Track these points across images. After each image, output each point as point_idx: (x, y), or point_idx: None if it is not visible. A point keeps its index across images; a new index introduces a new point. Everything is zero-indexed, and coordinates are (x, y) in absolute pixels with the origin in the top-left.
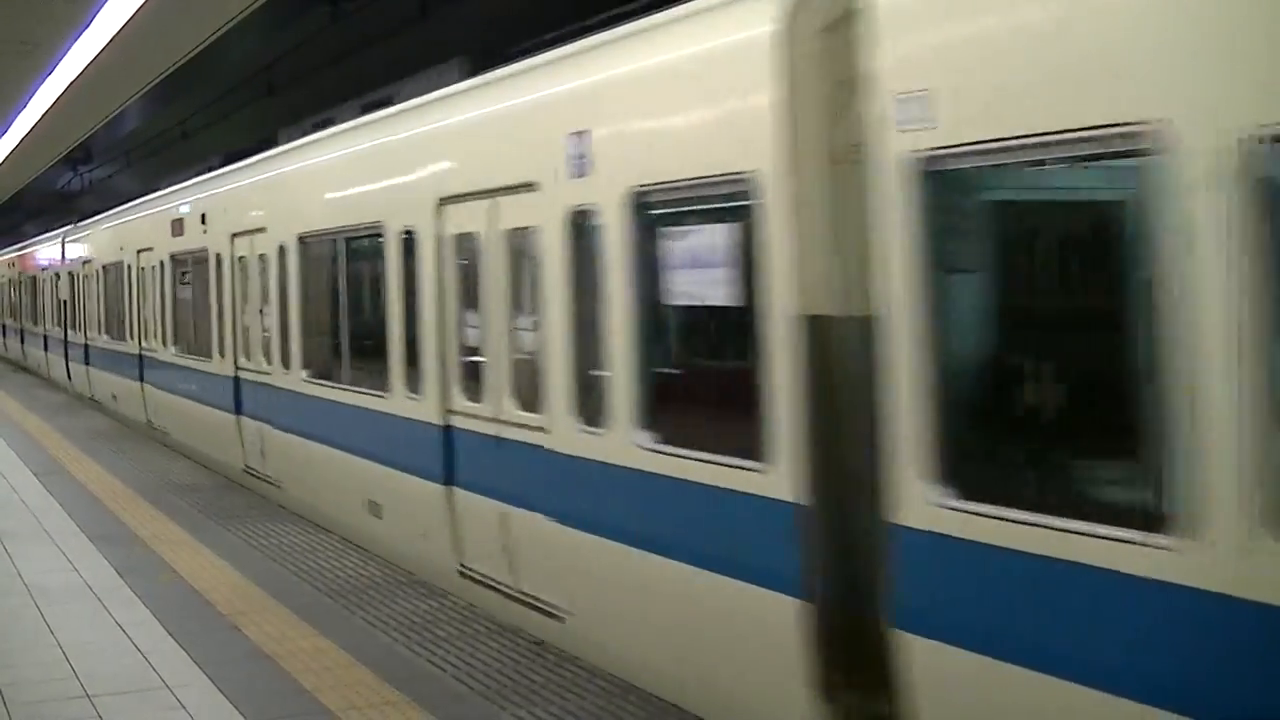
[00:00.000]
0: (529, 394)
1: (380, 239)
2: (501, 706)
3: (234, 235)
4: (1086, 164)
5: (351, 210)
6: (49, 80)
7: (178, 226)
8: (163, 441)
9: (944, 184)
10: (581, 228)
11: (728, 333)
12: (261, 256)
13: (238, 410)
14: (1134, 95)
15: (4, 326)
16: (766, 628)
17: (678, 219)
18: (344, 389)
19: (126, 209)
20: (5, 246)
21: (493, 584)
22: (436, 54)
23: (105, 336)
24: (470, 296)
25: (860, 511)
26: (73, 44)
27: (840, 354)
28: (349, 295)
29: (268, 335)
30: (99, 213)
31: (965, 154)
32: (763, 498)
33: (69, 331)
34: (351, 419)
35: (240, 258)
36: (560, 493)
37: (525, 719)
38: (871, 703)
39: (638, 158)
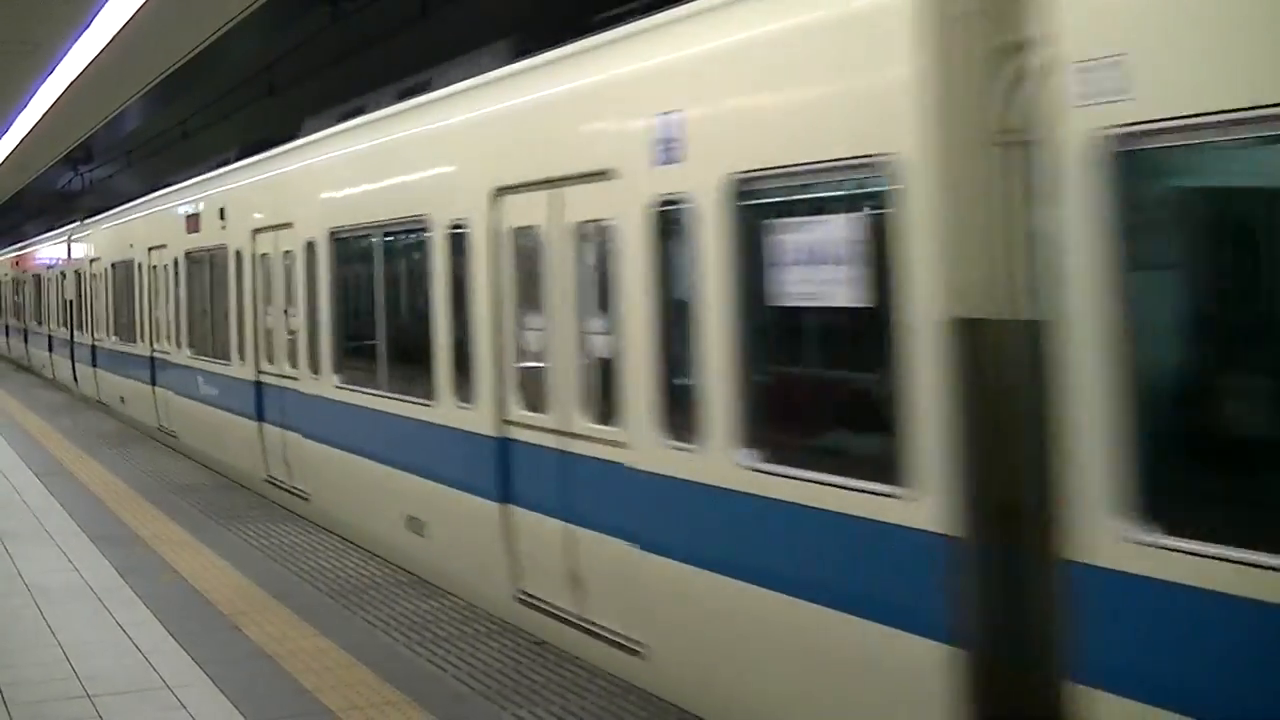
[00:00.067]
0: (601, 405)
1: (425, 233)
2: (502, 706)
3: (256, 231)
4: None
5: (392, 203)
6: (49, 80)
7: (193, 223)
8: (175, 447)
9: (1142, 167)
10: (669, 220)
11: (853, 339)
12: (287, 253)
13: (259, 417)
14: None
15: (6, 327)
16: (900, 674)
17: (790, 209)
18: (382, 396)
19: (137, 205)
20: (6, 246)
21: (555, 611)
22: (471, 39)
23: (114, 338)
24: (530, 296)
25: (1028, 546)
26: (73, 44)
27: (1001, 364)
28: (388, 295)
29: (294, 338)
30: (106, 210)
31: (1171, 131)
32: (900, 527)
33: (75, 332)
34: (390, 428)
35: (263, 255)
36: (641, 515)
37: (526, 719)
38: None
39: (741, 141)
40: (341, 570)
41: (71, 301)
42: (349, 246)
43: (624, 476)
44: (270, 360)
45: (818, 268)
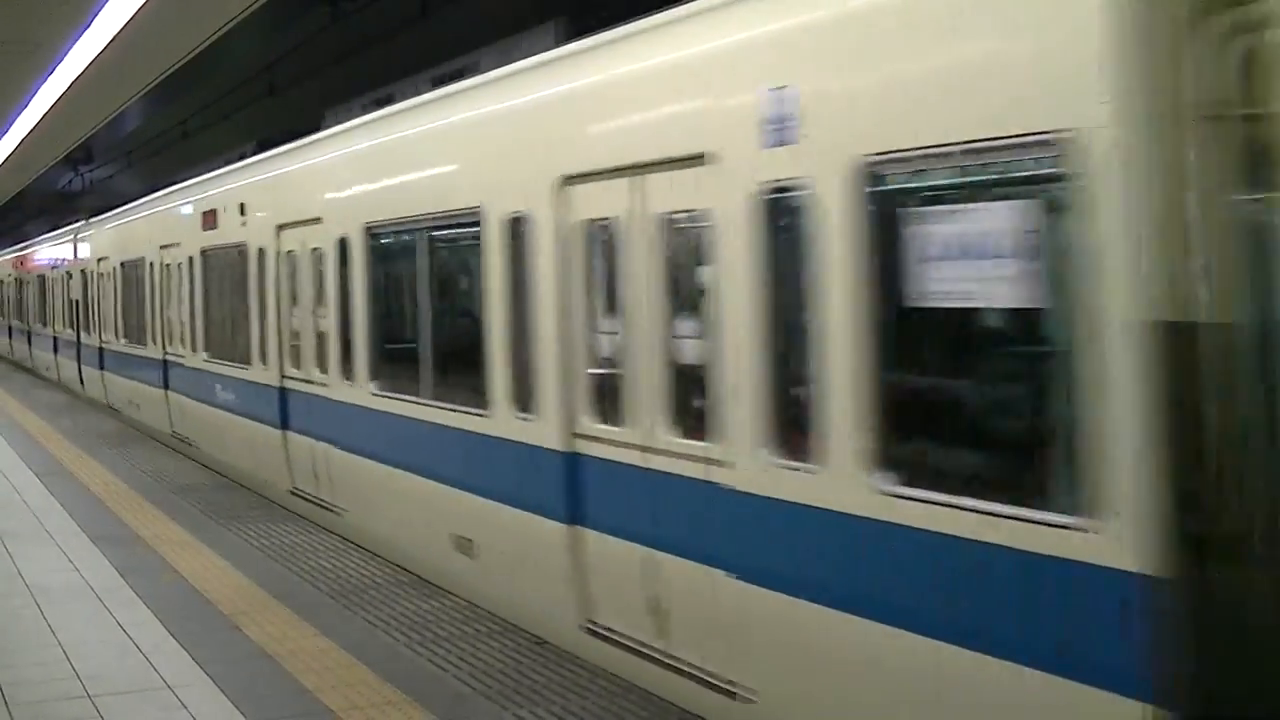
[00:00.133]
0: (693, 418)
1: (477, 227)
2: (504, 706)
3: (280, 227)
4: None
5: (438, 194)
6: (50, 80)
7: (210, 219)
8: (190, 455)
9: None
10: (780, 209)
11: (1019, 344)
12: (315, 251)
13: (284, 425)
14: None
15: (9, 328)
16: None
17: (937, 195)
18: (426, 405)
19: (148, 201)
20: (8, 246)
21: (631, 645)
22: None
23: (123, 340)
24: (605, 296)
25: (1246, 585)
26: (73, 44)
27: (1217, 374)
28: (433, 295)
29: (323, 341)
30: (112, 208)
31: None
32: (1083, 564)
33: (81, 334)
34: (435, 440)
35: (288, 252)
36: (744, 542)
37: (527, 719)
38: None
39: (874, 118)
40: (342, 570)
41: (77, 302)
42: (387, 242)
43: (722, 499)
44: (296, 365)
45: (973, 263)
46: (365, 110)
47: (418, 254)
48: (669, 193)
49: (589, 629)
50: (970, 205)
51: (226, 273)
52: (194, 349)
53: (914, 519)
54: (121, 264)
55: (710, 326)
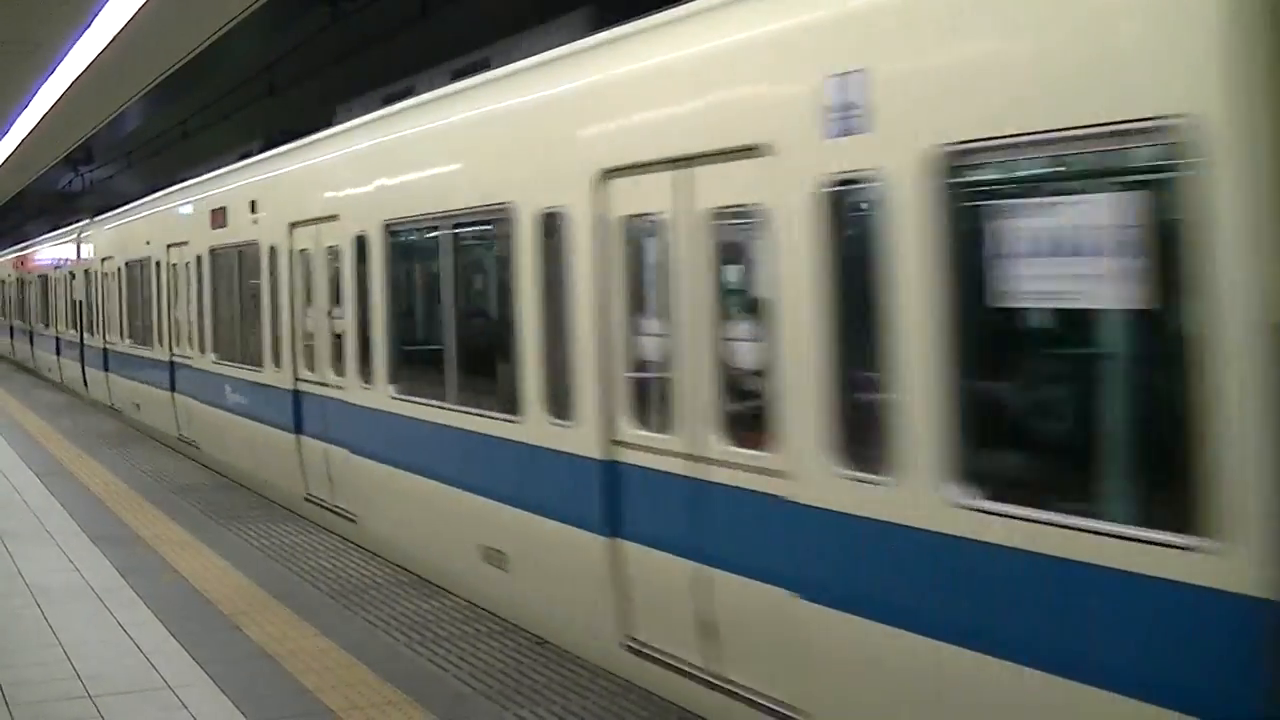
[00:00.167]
0: (747, 425)
1: (508, 223)
2: (504, 706)
3: (294, 225)
4: None
5: (464, 190)
6: (50, 80)
7: (219, 216)
8: (198, 459)
9: None
10: (845, 203)
11: (1118, 348)
12: (331, 249)
13: (298, 429)
14: None
15: (11, 328)
16: None
17: (1027, 187)
18: (451, 409)
19: (154, 200)
20: (8, 246)
21: (676, 664)
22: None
23: (128, 340)
24: (648, 296)
25: None
26: (74, 44)
27: None
28: (458, 295)
29: (339, 342)
30: (114, 208)
31: None
32: (1200, 588)
33: (85, 334)
34: (461, 446)
35: (301, 251)
36: (806, 558)
37: (528, 718)
38: None
39: (954, 105)
40: (342, 570)
41: (81, 302)
42: (408, 240)
43: (781, 511)
44: (310, 367)
45: (1068, 260)
46: (379, 105)
47: (441, 252)
48: (720, 186)
49: (629, 646)
50: (1066, 197)
51: (236, 272)
52: (202, 350)
53: (1000, 536)
54: (126, 264)
55: (768, 328)
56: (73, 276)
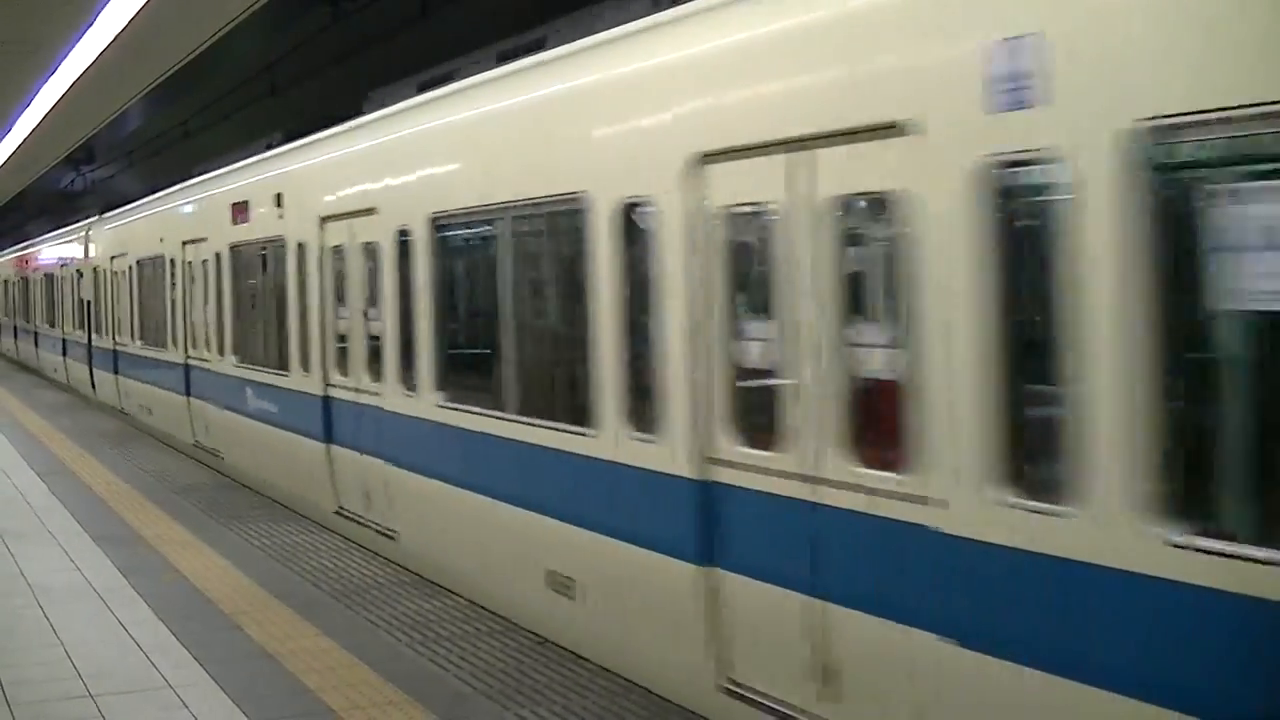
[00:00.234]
0: (881, 444)
1: (580, 215)
2: (505, 706)
3: (325, 219)
4: None
5: (526, 179)
6: (51, 80)
7: (240, 212)
8: (216, 467)
9: None
10: (1013, 187)
11: None
12: (368, 245)
13: (328, 438)
14: None
15: (15, 329)
16: None
17: (1256, 170)
18: (509, 420)
19: (167, 195)
20: (9, 246)
21: (786, 710)
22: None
23: (139, 342)
24: (753, 296)
25: None
26: (75, 44)
27: None
28: (517, 294)
29: (377, 346)
30: (115, 206)
31: None
32: None
33: (93, 335)
34: (520, 461)
35: (334, 247)
36: (958, 599)
37: (529, 718)
38: None
39: (1161, 69)
40: (343, 570)
41: (89, 303)
42: (458, 234)
43: (929, 545)
44: (343, 372)
45: None
46: (413, 92)
47: (499, 248)
48: (848, 170)
49: (728, 689)
50: None
51: (259, 270)
52: (221, 353)
53: (1221, 580)
54: (138, 262)
55: (910, 332)
56: (80, 275)
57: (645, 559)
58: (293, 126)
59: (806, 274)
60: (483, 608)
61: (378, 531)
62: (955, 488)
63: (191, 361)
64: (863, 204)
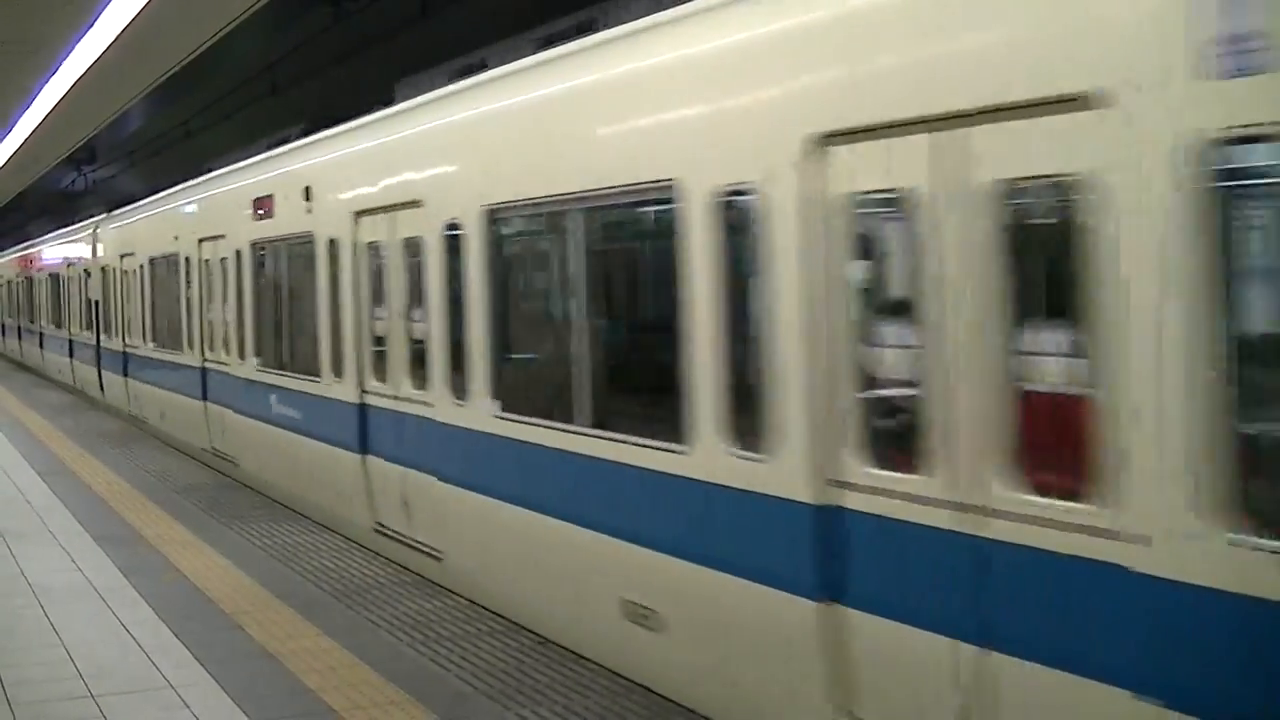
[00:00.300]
0: (1062, 468)
1: (669, 205)
2: (506, 706)
3: (360, 213)
4: None
5: (602, 165)
6: (52, 80)
7: (264, 206)
8: (234, 475)
9: None
10: (1240, 167)
11: None
12: (410, 241)
13: (363, 448)
14: None
15: (19, 329)
16: None
17: None
18: (580, 434)
19: (183, 189)
20: (11, 246)
21: None
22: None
23: (151, 343)
24: (888, 296)
25: None
26: (76, 44)
27: None
28: (591, 293)
29: (422, 350)
30: (117, 206)
31: None
32: None
33: (101, 336)
34: (595, 479)
35: (370, 243)
36: (1170, 653)
37: (530, 718)
38: None
39: None
40: (344, 570)
41: (97, 303)
42: (519, 227)
43: (1125, 587)
44: (381, 377)
45: None
46: (450, 80)
47: (568, 242)
48: (1013, 151)
49: None
50: None
51: (285, 268)
52: (242, 355)
53: None
54: (151, 260)
55: (1097, 339)
56: (87, 275)
57: (747, 591)
58: (293, 126)
59: (959, 270)
60: (535, 633)
61: (421, 551)
62: (1166, 524)
63: (209, 365)
64: (1029, 189)
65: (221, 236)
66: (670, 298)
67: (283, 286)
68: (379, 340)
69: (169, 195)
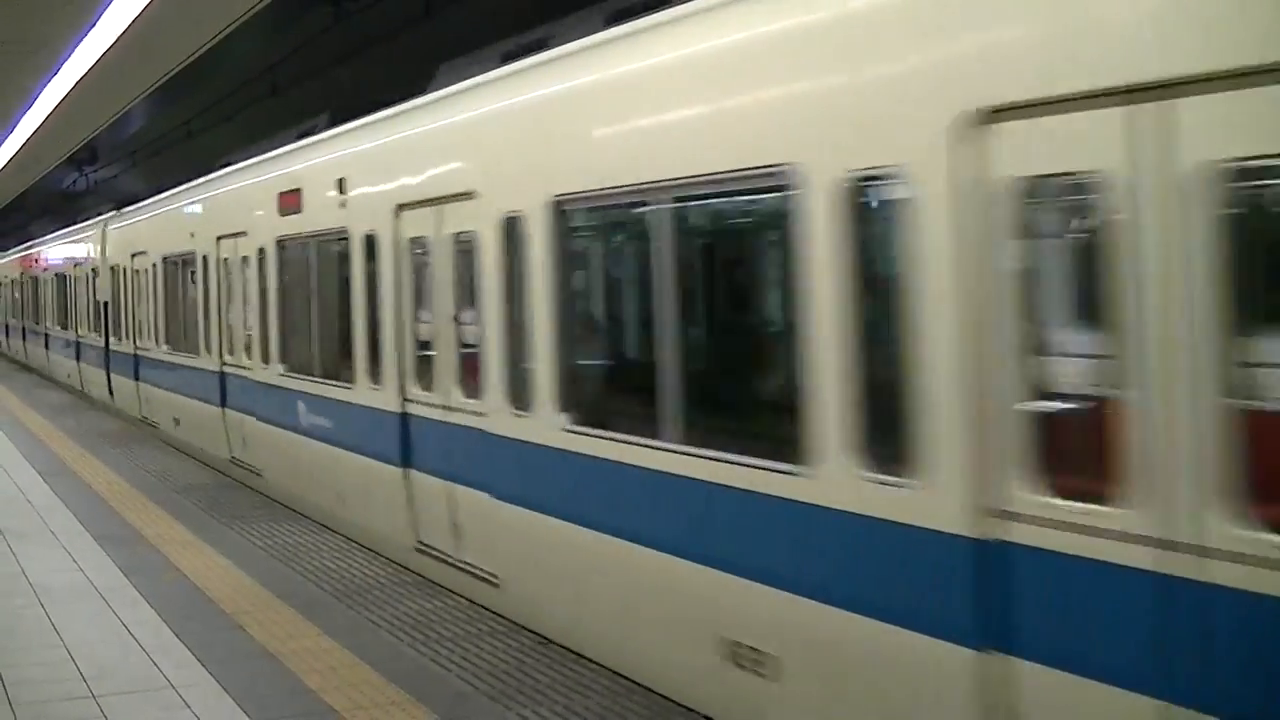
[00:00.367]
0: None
1: (783, 192)
2: (506, 706)
3: (402, 207)
4: None
5: (699, 148)
6: (54, 81)
7: (291, 200)
8: (257, 486)
9: None
10: None
11: None
12: (461, 236)
13: (405, 461)
14: None
15: (24, 331)
16: None
17: None
18: (673, 451)
19: (199, 184)
20: (13, 246)
21: None
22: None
23: (164, 346)
24: (1067, 297)
25: None
26: (77, 44)
27: None
28: (684, 294)
29: (475, 356)
30: (119, 206)
31: None
32: None
33: (110, 338)
34: (692, 502)
35: (413, 240)
36: None
37: (530, 718)
38: None
39: None
40: (345, 570)
41: (106, 304)
42: (593, 220)
43: None
44: (425, 385)
45: None
46: (498, 64)
47: (656, 235)
48: (1236, 128)
49: None
50: None
51: (315, 267)
52: (265, 360)
53: None
54: (164, 259)
55: None
56: (95, 274)
57: (887, 636)
58: (293, 126)
59: (1162, 269)
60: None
61: (473, 574)
62: None
63: (228, 369)
64: (1261, 173)
65: (242, 234)
66: (783, 297)
67: (311, 286)
68: (423, 344)
69: (184, 191)
